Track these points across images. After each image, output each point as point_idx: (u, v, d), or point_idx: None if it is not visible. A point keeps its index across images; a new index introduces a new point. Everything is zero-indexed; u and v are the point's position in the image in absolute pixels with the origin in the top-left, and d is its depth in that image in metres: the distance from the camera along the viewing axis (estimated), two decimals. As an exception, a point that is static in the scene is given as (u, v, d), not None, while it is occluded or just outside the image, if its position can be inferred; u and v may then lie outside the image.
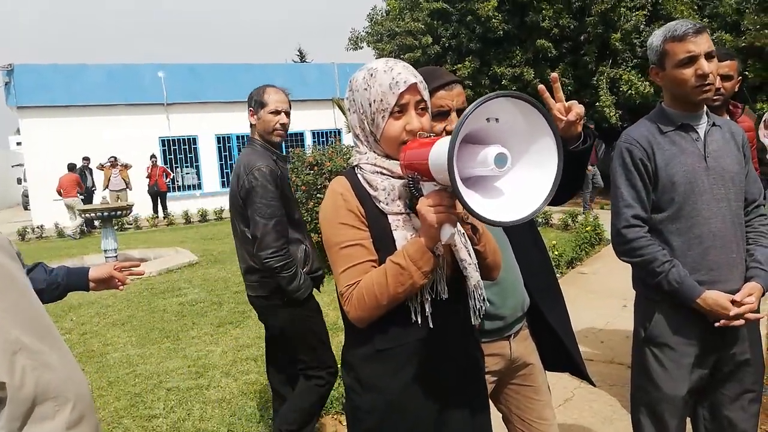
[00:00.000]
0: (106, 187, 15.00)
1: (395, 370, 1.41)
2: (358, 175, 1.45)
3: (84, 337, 5.38)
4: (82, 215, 10.31)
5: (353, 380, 1.48)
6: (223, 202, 18.10)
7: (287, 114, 2.72)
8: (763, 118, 3.32)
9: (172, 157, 19.19)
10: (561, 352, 1.92)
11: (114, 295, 6.74)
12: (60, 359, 0.91)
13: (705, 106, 1.97)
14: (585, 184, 11.72)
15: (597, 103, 13.61)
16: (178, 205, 17.51)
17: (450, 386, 1.45)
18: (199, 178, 19.85)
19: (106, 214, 8.99)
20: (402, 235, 1.38)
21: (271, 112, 2.68)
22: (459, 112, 1.73)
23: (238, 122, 19.69)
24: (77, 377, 0.93)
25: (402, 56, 15.29)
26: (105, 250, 8.85)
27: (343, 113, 14.72)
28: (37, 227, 15.53)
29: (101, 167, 15.25)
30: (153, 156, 16.83)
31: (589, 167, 11.37)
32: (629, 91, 13.20)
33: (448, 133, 1.66)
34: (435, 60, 15.23)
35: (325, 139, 20.32)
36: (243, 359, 4.46)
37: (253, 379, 4.05)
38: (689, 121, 1.94)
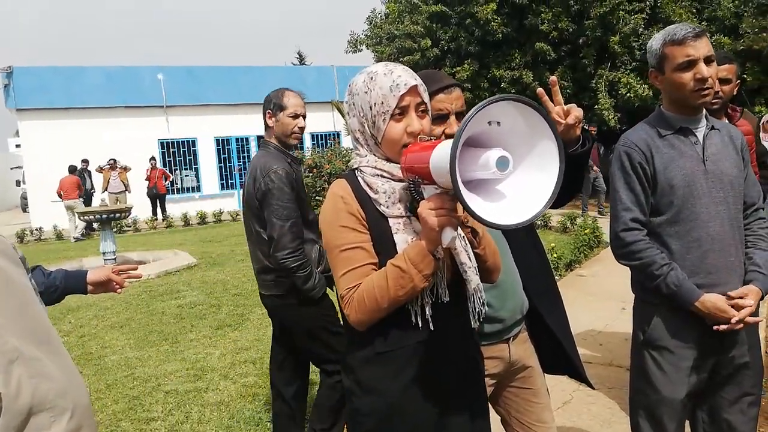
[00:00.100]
0: (105, 189, 14.99)
1: (395, 372, 1.41)
2: (359, 178, 1.45)
3: (82, 340, 5.37)
4: (81, 218, 10.30)
5: (353, 383, 1.48)
6: (222, 204, 18.14)
7: (304, 117, 2.78)
8: (762, 121, 3.32)
9: (171, 159, 19.19)
10: (560, 354, 1.92)
11: (112, 297, 6.73)
12: (59, 368, 0.90)
13: (704, 110, 1.98)
14: (585, 188, 11.71)
15: (596, 106, 13.62)
16: (177, 207, 17.51)
17: (450, 389, 1.45)
18: (198, 181, 19.85)
19: (104, 216, 8.98)
20: (403, 238, 1.38)
21: (290, 116, 2.72)
22: (458, 115, 1.73)
23: (237, 125, 19.75)
24: (76, 386, 0.91)
25: (401, 59, 15.31)
26: (104, 253, 8.85)
27: (342, 116, 14.75)
28: (36, 229, 15.52)
29: (100, 170, 15.25)
30: (152, 158, 16.83)
31: (595, 168, 11.35)
32: (628, 94, 13.21)
33: (448, 136, 1.66)
34: (434, 63, 15.25)
35: (324, 141, 20.33)
36: (241, 362, 4.46)
37: (252, 381, 4.04)
38: (688, 124, 1.95)
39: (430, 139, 1.38)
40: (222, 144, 19.94)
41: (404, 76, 1.40)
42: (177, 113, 19.05)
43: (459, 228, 1.37)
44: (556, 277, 6.18)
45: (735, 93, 2.94)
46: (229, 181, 20.16)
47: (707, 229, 1.89)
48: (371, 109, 1.41)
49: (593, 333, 4.59)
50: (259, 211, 2.62)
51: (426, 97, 1.45)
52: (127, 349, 5.01)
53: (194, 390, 3.97)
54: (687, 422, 2.08)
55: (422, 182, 1.29)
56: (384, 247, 1.39)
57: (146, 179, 16.28)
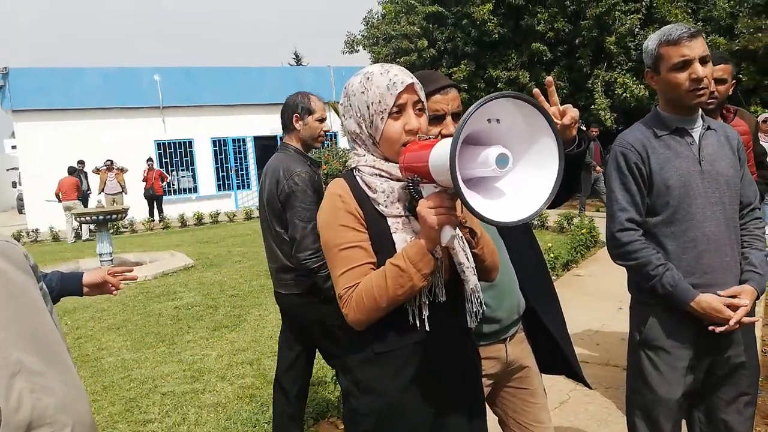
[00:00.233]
0: (102, 190, 14.95)
1: (394, 373, 1.41)
2: (357, 178, 1.45)
3: (79, 342, 5.36)
4: (77, 219, 10.27)
5: (350, 383, 1.48)
6: (219, 205, 18.12)
7: (325, 121, 2.88)
8: (759, 120, 3.33)
9: (168, 160, 19.16)
10: (557, 354, 1.92)
11: (109, 299, 6.71)
12: (62, 381, 0.89)
13: (700, 110, 1.98)
14: (585, 188, 11.70)
15: (592, 107, 13.66)
16: (173, 208, 17.48)
17: (449, 389, 1.45)
18: (195, 182, 19.82)
19: (101, 217, 8.96)
20: (401, 237, 1.38)
21: (318, 119, 2.81)
22: (454, 116, 1.73)
23: (233, 126, 19.73)
24: (78, 400, 0.91)
25: (398, 60, 15.31)
26: (100, 254, 8.82)
27: (339, 117, 14.76)
28: (32, 231, 15.47)
29: (97, 171, 15.21)
30: (150, 159, 16.79)
31: (598, 169, 11.35)
32: (624, 95, 13.25)
33: (444, 137, 1.66)
34: (431, 63, 15.26)
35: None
36: (238, 363, 4.45)
37: (249, 383, 4.03)
38: (684, 124, 1.95)
39: (429, 138, 1.38)
40: (219, 145, 19.92)
41: (401, 75, 1.41)
42: (173, 114, 19.02)
43: (457, 228, 1.37)
44: (553, 277, 6.18)
45: (730, 93, 2.95)
46: (226, 182, 20.13)
47: (703, 229, 1.89)
48: (369, 108, 1.41)
49: (590, 333, 4.60)
50: (281, 213, 2.68)
51: (423, 96, 1.45)
52: (123, 351, 5.00)
53: (191, 391, 3.97)
54: (684, 422, 2.08)
55: (421, 181, 1.29)
56: (382, 246, 1.39)
57: (143, 180, 16.25)
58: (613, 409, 3.26)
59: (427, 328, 1.38)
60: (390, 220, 1.40)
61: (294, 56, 40.70)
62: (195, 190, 19.76)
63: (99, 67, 18.74)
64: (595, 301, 5.51)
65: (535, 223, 9.71)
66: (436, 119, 1.70)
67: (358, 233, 1.40)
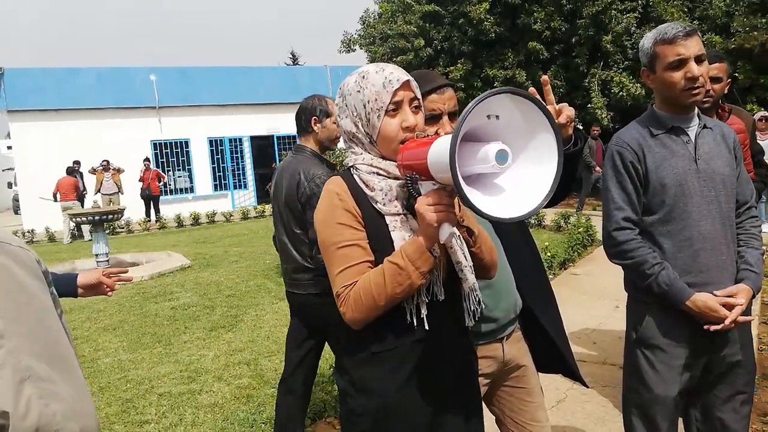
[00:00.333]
0: (98, 191, 14.91)
1: (390, 372, 1.40)
2: (354, 176, 1.44)
3: (75, 342, 5.32)
4: (73, 219, 10.24)
5: (347, 383, 1.47)
6: (216, 205, 18.09)
7: None
8: (755, 118, 3.34)
9: (164, 160, 19.12)
10: (553, 353, 1.92)
11: (105, 299, 6.69)
12: (70, 388, 0.89)
13: (696, 109, 1.98)
14: (585, 187, 11.69)
15: (589, 105, 13.67)
16: (170, 208, 17.44)
17: (447, 388, 1.45)
18: (191, 182, 19.79)
19: (97, 218, 8.93)
20: (400, 235, 1.37)
21: (335, 122, 2.81)
22: (450, 115, 1.73)
23: (230, 125, 19.70)
24: (86, 408, 0.90)
25: (394, 59, 15.31)
26: (96, 255, 8.80)
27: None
28: (28, 232, 15.42)
29: (93, 171, 15.16)
30: (147, 159, 16.76)
31: (598, 169, 11.36)
32: (620, 93, 13.27)
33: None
34: (427, 62, 15.26)
35: (317, 141, 20.29)
36: (235, 363, 4.44)
37: (246, 383, 4.03)
38: (680, 123, 1.95)
39: (427, 136, 1.38)
40: (215, 145, 19.88)
41: (396, 73, 1.41)
42: (170, 114, 18.99)
43: (455, 227, 1.37)
44: (550, 276, 6.19)
45: (726, 92, 2.95)
46: (223, 182, 20.10)
47: (699, 228, 1.89)
48: (365, 107, 1.40)
49: (587, 331, 4.60)
50: (301, 214, 2.70)
51: (418, 93, 1.45)
52: (120, 352, 4.99)
53: (188, 392, 3.96)
54: (681, 420, 2.09)
55: (419, 178, 1.29)
56: (380, 244, 1.38)
57: (140, 180, 16.21)
58: (610, 408, 3.27)
59: (426, 327, 1.38)
60: (388, 218, 1.39)
61: (290, 56, 40.66)
62: (191, 190, 19.73)
63: (94, 67, 18.68)
64: (592, 299, 5.52)
65: (532, 221, 9.72)
66: (433, 119, 1.70)
67: (356, 231, 1.39)
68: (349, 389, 1.46)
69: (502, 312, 1.79)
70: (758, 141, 3.55)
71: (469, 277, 1.43)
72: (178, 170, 19.69)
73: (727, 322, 1.82)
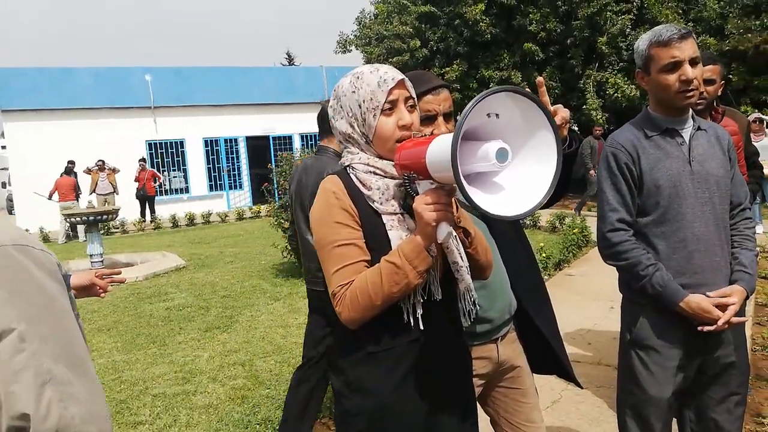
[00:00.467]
0: (93, 191, 14.86)
1: (386, 372, 1.40)
2: (351, 175, 1.44)
3: (69, 343, 5.31)
4: (67, 219, 10.20)
5: (342, 384, 1.47)
6: (211, 205, 18.05)
7: None
8: (750, 120, 3.36)
9: (159, 160, 19.06)
10: (548, 354, 1.93)
11: (99, 300, 6.66)
12: (87, 392, 0.91)
13: (690, 110, 1.99)
14: (590, 188, 11.62)
15: (584, 106, 13.69)
16: (165, 209, 17.39)
17: (444, 388, 1.45)
18: (186, 182, 19.73)
19: (91, 218, 8.90)
20: (397, 234, 1.37)
21: None
22: (446, 116, 1.74)
23: (225, 126, 19.66)
24: (101, 412, 0.92)
25: (390, 60, 15.31)
26: (91, 255, 8.76)
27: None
28: (22, 232, 15.33)
29: (88, 171, 15.10)
30: (143, 160, 16.71)
31: (592, 172, 11.33)
32: (615, 95, 13.30)
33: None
34: (423, 63, 15.26)
35: (313, 142, 20.29)
36: (230, 364, 4.43)
37: (241, 384, 4.02)
38: (674, 125, 1.96)
39: (424, 135, 1.38)
40: (210, 145, 19.84)
41: (390, 72, 1.41)
42: (165, 114, 18.93)
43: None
44: (545, 277, 6.20)
45: (720, 93, 2.96)
46: (218, 183, 20.06)
47: (693, 229, 1.90)
48: (360, 107, 1.40)
49: (582, 332, 4.61)
50: None
51: (413, 93, 1.45)
52: (114, 353, 4.97)
53: (182, 393, 3.95)
54: (675, 421, 2.09)
55: (417, 178, 1.29)
56: (377, 243, 1.38)
57: (136, 180, 16.16)
58: (605, 408, 3.27)
59: (421, 327, 1.38)
60: (385, 218, 1.39)
61: (286, 56, 40.62)
62: (187, 190, 19.67)
63: (89, 67, 18.62)
64: (587, 300, 5.53)
65: (527, 222, 9.74)
66: (428, 119, 1.70)
67: (353, 230, 1.39)
68: (344, 390, 1.46)
69: (496, 313, 1.79)
70: (752, 142, 3.56)
71: (466, 277, 1.43)
72: (173, 170, 19.63)
73: (720, 322, 1.82)
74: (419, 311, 1.38)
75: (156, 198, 17.08)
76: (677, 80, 1.87)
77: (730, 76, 12.43)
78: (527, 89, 1.71)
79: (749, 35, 12.36)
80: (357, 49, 17.63)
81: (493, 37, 14.36)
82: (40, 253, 0.95)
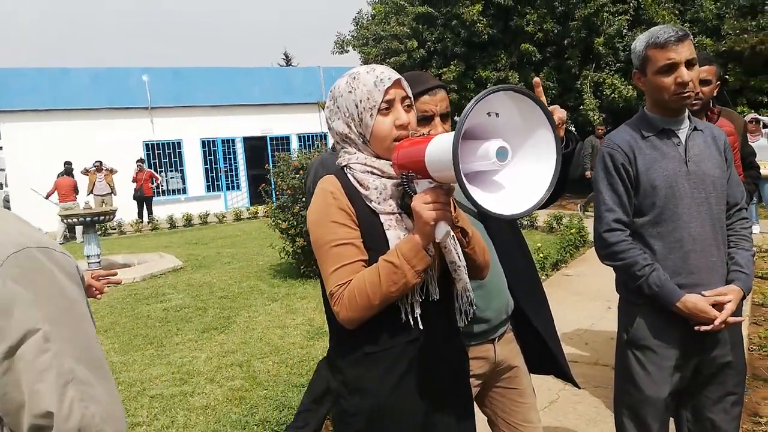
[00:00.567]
0: (91, 191, 14.83)
1: (385, 372, 1.40)
2: (348, 175, 1.44)
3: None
4: (64, 220, 10.17)
5: (340, 384, 1.47)
6: (208, 206, 18.02)
7: None
8: (746, 120, 3.37)
9: (157, 161, 19.03)
10: (545, 354, 1.93)
11: (96, 301, 6.61)
12: (105, 393, 0.93)
13: (687, 111, 2.00)
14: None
15: (581, 107, 13.71)
16: (162, 209, 17.36)
17: (443, 388, 1.45)
18: (183, 183, 19.71)
19: (88, 219, 8.88)
20: (395, 234, 1.37)
21: None
22: (442, 117, 1.74)
23: (223, 126, 19.64)
24: (118, 413, 0.95)
25: (387, 60, 15.31)
26: (88, 256, 8.74)
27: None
28: (19, 233, 15.28)
29: (86, 172, 15.07)
30: (140, 160, 16.68)
31: (588, 173, 11.35)
32: (612, 95, 13.32)
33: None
34: (420, 64, 15.27)
35: (311, 142, 20.29)
36: (228, 365, 4.43)
37: (238, 385, 4.01)
38: (671, 125, 1.96)
39: (422, 135, 1.38)
40: (208, 145, 19.81)
41: (387, 72, 1.41)
42: (162, 115, 18.89)
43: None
44: (542, 277, 6.21)
45: (716, 94, 2.97)
46: (215, 183, 20.04)
47: (689, 229, 1.90)
48: (357, 107, 1.40)
49: (579, 332, 4.62)
50: None
51: (410, 93, 1.46)
52: (111, 354, 4.96)
53: (180, 394, 3.94)
54: (672, 421, 2.10)
55: (416, 177, 1.29)
56: (375, 243, 1.38)
57: (133, 181, 16.13)
58: (602, 409, 3.28)
59: (420, 327, 1.38)
60: (383, 217, 1.39)
61: (284, 57, 40.61)
62: (184, 191, 19.64)
63: (86, 68, 18.57)
64: (584, 300, 5.54)
65: (525, 222, 9.75)
66: (425, 120, 1.70)
67: (351, 230, 1.38)
68: (342, 390, 1.46)
69: (493, 312, 1.79)
70: (749, 143, 3.57)
71: (463, 277, 1.43)
72: (171, 171, 19.60)
73: (717, 322, 1.83)
74: (417, 311, 1.37)
75: (153, 199, 17.05)
76: (673, 82, 1.87)
77: (727, 77, 12.46)
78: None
79: (745, 36, 12.40)
80: (354, 50, 17.63)
81: (491, 37, 14.38)
82: (61, 256, 0.97)
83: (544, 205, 1.30)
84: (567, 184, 1.86)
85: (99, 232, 10.40)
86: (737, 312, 1.91)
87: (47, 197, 14.07)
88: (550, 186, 1.17)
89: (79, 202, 13.97)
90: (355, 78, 1.42)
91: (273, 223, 7.34)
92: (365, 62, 16.08)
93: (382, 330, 1.39)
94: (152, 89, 18.54)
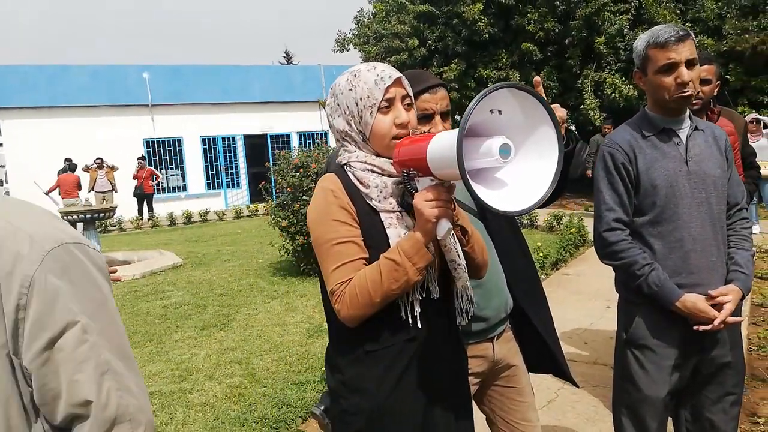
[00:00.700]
0: (92, 189, 14.83)
1: (385, 371, 1.40)
2: (348, 173, 1.44)
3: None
4: (64, 217, 10.17)
5: (339, 383, 1.46)
6: (209, 204, 18.03)
7: None
8: (747, 120, 3.37)
9: (157, 158, 19.03)
10: (544, 353, 1.93)
11: (96, 298, 6.65)
12: (136, 383, 0.98)
13: (688, 110, 1.99)
14: None
15: (582, 106, 13.70)
16: (162, 207, 17.37)
17: (443, 387, 1.45)
18: (184, 180, 19.71)
19: (88, 216, 8.88)
20: (395, 232, 1.37)
21: None
22: (443, 115, 1.74)
23: (223, 124, 19.64)
24: (147, 405, 0.99)
25: (388, 59, 15.30)
26: (88, 253, 8.73)
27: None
28: (19, 229, 15.27)
29: (87, 169, 15.07)
30: (141, 157, 16.68)
31: (588, 173, 11.32)
32: (613, 94, 13.31)
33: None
34: (421, 62, 15.26)
35: (311, 140, 20.29)
36: (227, 362, 4.43)
37: (237, 382, 4.02)
38: (671, 125, 1.96)
39: (423, 133, 1.38)
40: (208, 143, 19.82)
41: (387, 70, 1.41)
42: (162, 112, 18.90)
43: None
44: (542, 276, 6.21)
45: (716, 93, 2.97)
46: (215, 181, 20.04)
47: (689, 229, 1.90)
48: (357, 104, 1.41)
49: (578, 331, 4.62)
50: None
51: (410, 91, 1.46)
52: (111, 350, 4.96)
53: (179, 391, 3.94)
54: (670, 421, 2.10)
55: (417, 175, 1.29)
56: (375, 241, 1.38)
57: (134, 178, 16.13)
58: (601, 408, 3.28)
59: (419, 326, 1.38)
60: (383, 215, 1.39)
61: (284, 55, 40.60)
62: (184, 188, 19.65)
63: (86, 65, 18.57)
64: (584, 300, 5.54)
65: (524, 221, 9.75)
66: (425, 118, 1.70)
67: (351, 228, 1.38)
68: (342, 389, 1.45)
69: (492, 311, 1.79)
70: (749, 143, 3.57)
71: (463, 275, 1.43)
72: (171, 168, 19.60)
73: (716, 322, 1.83)
74: (417, 309, 1.37)
75: (154, 196, 17.05)
76: (673, 82, 1.87)
77: (728, 77, 12.45)
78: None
79: (746, 36, 12.38)
80: (355, 48, 17.61)
81: (492, 36, 14.36)
82: (94, 252, 1.00)
83: (545, 203, 1.30)
84: (567, 182, 1.86)
85: (99, 229, 10.40)
86: (736, 312, 1.91)
87: (47, 193, 14.05)
88: (552, 183, 1.17)
89: (81, 199, 13.97)
90: (355, 76, 1.42)
91: (273, 221, 7.35)
92: (366, 60, 16.05)
93: (383, 328, 1.39)
94: (153, 87, 18.54)
